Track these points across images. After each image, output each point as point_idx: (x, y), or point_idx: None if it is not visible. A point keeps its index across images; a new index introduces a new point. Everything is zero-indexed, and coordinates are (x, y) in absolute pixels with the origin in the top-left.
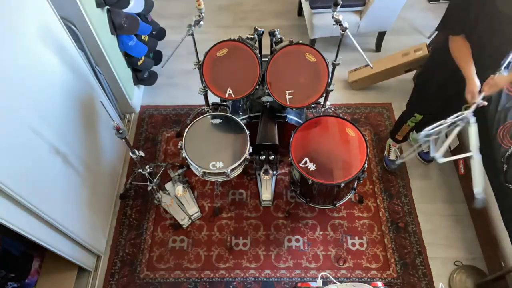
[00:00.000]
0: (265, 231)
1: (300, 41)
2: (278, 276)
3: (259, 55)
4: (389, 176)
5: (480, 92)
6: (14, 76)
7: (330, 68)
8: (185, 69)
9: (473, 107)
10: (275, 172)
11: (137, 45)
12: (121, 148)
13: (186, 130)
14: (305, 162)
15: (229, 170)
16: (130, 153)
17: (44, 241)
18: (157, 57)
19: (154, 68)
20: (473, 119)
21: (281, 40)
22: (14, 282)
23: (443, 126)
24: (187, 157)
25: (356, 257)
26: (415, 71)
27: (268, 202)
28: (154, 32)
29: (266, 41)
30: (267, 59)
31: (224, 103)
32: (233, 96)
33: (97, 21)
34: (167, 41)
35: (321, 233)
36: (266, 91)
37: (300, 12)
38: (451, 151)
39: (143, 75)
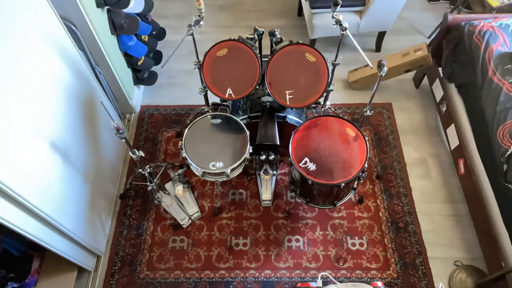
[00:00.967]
0: (265, 231)
1: (300, 41)
2: (278, 276)
3: (259, 55)
4: (389, 176)
5: None
6: (14, 76)
7: (330, 68)
8: (185, 69)
9: None
10: (275, 172)
11: (137, 45)
12: (121, 148)
13: (186, 130)
14: (305, 162)
15: (229, 170)
16: (130, 153)
17: (44, 241)
18: (157, 57)
19: (154, 68)
20: None
21: (281, 40)
22: (14, 282)
23: None
24: (187, 157)
25: (356, 257)
26: (415, 71)
27: (268, 202)
28: (154, 32)
29: (266, 41)
30: (267, 59)
31: (224, 103)
32: (233, 96)
33: (97, 21)
34: (167, 41)
35: (321, 233)
36: (266, 91)
37: (300, 12)
38: (451, 151)
39: (143, 75)
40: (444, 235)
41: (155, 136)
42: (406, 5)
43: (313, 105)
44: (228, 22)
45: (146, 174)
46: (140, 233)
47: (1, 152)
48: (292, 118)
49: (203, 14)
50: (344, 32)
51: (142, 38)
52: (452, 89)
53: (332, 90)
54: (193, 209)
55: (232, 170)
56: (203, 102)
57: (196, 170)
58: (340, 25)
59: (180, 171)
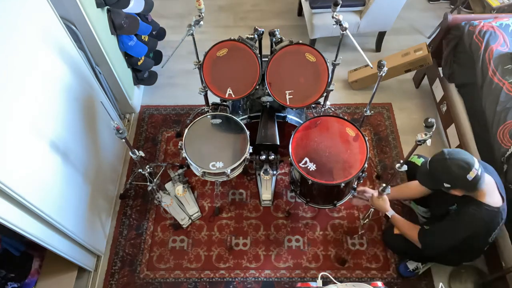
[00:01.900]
0: (265, 231)
1: (300, 41)
2: (278, 276)
3: (259, 55)
4: (389, 176)
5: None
6: (14, 76)
7: (330, 68)
8: (185, 69)
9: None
10: (275, 172)
11: (137, 45)
12: (121, 148)
13: (186, 130)
14: (305, 162)
15: (229, 170)
16: (130, 153)
17: (44, 241)
18: (157, 57)
19: (154, 68)
20: None
21: (281, 40)
22: (14, 282)
23: None
24: (187, 157)
25: (356, 257)
26: (415, 71)
27: (268, 202)
28: (154, 32)
29: (266, 41)
30: (267, 59)
31: (224, 103)
32: (233, 96)
33: (97, 21)
34: (167, 41)
35: (321, 233)
36: (266, 91)
37: (300, 12)
38: None
39: (143, 75)
40: None
41: (155, 136)
42: (406, 5)
43: (313, 105)
44: (228, 22)
45: (146, 174)
46: (140, 233)
47: (1, 152)
48: (292, 118)
49: (203, 14)
50: (344, 32)
51: (142, 38)
52: (452, 89)
53: (332, 90)
54: (193, 209)
55: (232, 170)
56: (203, 102)
57: (196, 170)
58: (340, 25)
59: (180, 171)
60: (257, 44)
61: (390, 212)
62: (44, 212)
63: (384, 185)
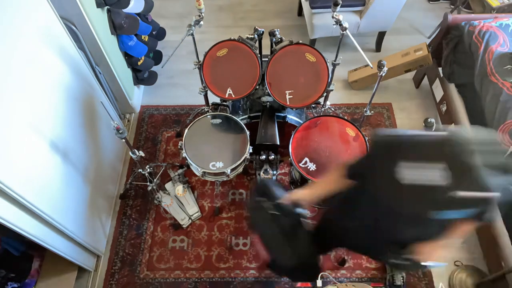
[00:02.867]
0: None
1: (300, 41)
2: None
3: (259, 55)
4: None
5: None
6: (14, 76)
7: (330, 68)
8: (185, 69)
9: None
10: (275, 172)
11: (137, 45)
12: (121, 148)
13: (186, 130)
14: (305, 162)
15: (229, 170)
16: (130, 153)
17: (44, 241)
18: (157, 57)
19: (154, 68)
20: None
21: (281, 40)
22: (14, 282)
23: None
24: (187, 157)
25: (356, 257)
26: (415, 71)
27: None
28: (154, 32)
29: (266, 41)
30: (267, 59)
31: (224, 103)
32: (233, 96)
33: (97, 21)
34: (167, 41)
35: None
36: (266, 91)
37: (300, 12)
38: None
39: (143, 75)
40: None
41: (155, 136)
42: (406, 5)
43: (313, 105)
44: (228, 22)
45: (146, 174)
46: (140, 233)
47: (1, 152)
48: (292, 118)
49: (203, 14)
50: (344, 32)
51: (142, 38)
52: (452, 89)
53: (332, 90)
54: (193, 209)
55: (232, 170)
56: (203, 102)
57: (196, 170)
58: (340, 25)
59: (180, 171)
60: (257, 44)
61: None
62: (44, 212)
63: None
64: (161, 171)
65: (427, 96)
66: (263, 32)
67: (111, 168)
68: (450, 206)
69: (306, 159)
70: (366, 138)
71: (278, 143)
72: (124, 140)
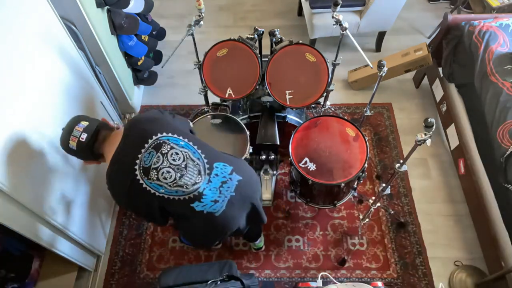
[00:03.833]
0: (265, 231)
1: (300, 41)
2: (278, 276)
3: (259, 55)
4: (389, 176)
5: None
6: (14, 76)
7: (330, 68)
8: (185, 69)
9: None
10: (275, 172)
11: (137, 45)
12: None
13: None
14: (305, 162)
15: None
16: None
17: (44, 241)
18: (157, 57)
19: (154, 68)
20: None
21: (281, 40)
22: (14, 282)
23: None
24: None
25: (356, 257)
26: (415, 71)
27: (268, 202)
28: (154, 32)
29: (266, 41)
30: (267, 59)
31: (224, 103)
32: (233, 96)
33: (97, 21)
34: (167, 41)
35: (321, 233)
36: (266, 91)
37: (300, 12)
38: (451, 151)
39: (143, 75)
40: (444, 235)
41: None
42: (406, 5)
43: (313, 105)
44: (228, 22)
45: None
46: (140, 233)
47: (0, 151)
48: (292, 118)
49: (203, 14)
50: (344, 32)
51: (142, 38)
52: (452, 89)
53: (332, 90)
54: None
55: None
56: (203, 102)
57: None
58: (340, 25)
59: None
60: (257, 44)
61: None
62: (44, 212)
63: (384, 185)
64: None
65: (427, 96)
66: (263, 32)
67: None
68: None
69: (306, 159)
70: (366, 138)
71: (278, 143)
72: None
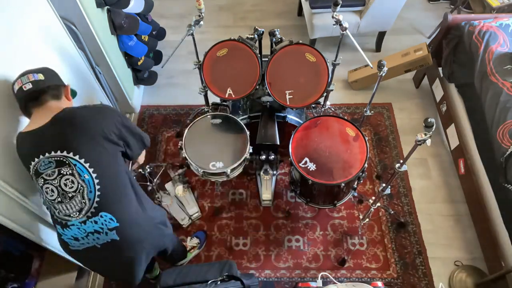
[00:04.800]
0: (265, 231)
1: (300, 41)
2: (278, 276)
3: (259, 55)
4: (389, 176)
5: None
6: (14, 76)
7: (330, 68)
8: (185, 69)
9: None
10: (275, 172)
11: (137, 45)
12: None
13: (186, 130)
14: (305, 162)
15: (229, 170)
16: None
17: (44, 241)
18: (157, 57)
19: (154, 68)
20: None
21: (281, 40)
22: (14, 282)
23: None
24: (187, 157)
25: (356, 257)
26: (415, 71)
27: (268, 202)
28: (154, 32)
29: (266, 41)
30: (267, 59)
31: (224, 103)
32: (233, 96)
33: (97, 21)
34: (167, 41)
35: (321, 233)
36: (266, 91)
37: (300, 12)
38: (451, 151)
39: (143, 75)
40: (444, 235)
41: (155, 136)
42: (406, 5)
43: (313, 105)
44: (228, 22)
45: (146, 174)
46: None
47: (1, 151)
48: (292, 118)
49: (203, 14)
50: (344, 32)
51: (142, 38)
52: (452, 89)
53: (332, 90)
54: (193, 209)
55: (232, 170)
56: (203, 102)
57: (196, 170)
58: (340, 25)
59: (180, 171)
60: (257, 44)
61: None
62: (44, 212)
63: (384, 185)
64: (161, 171)
65: (427, 96)
66: (263, 32)
67: None
68: None
69: (306, 159)
70: (366, 138)
71: (278, 143)
72: None
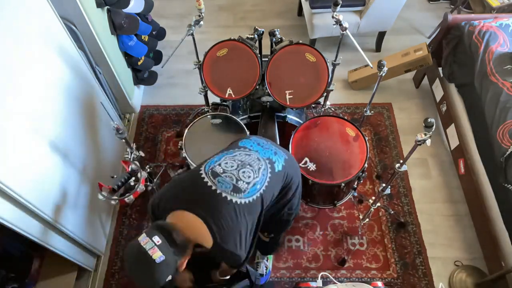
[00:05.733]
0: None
1: (300, 41)
2: (278, 276)
3: (259, 55)
4: (389, 176)
5: None
6: (14, 76)
7: (330, 68)
8: (185, 69)
9: None
10: None
11: (137, 45)
12: (121, 148)
13: (186, 130)
14: (305, 162)
15: None
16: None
17: (44, 241)
18: (157, 57)
19: (154, 68)
20: None
21: (281, 40)
22: (14, 282)
23: None
24: (187, 157)
25: (356, 257)
26: (415, 71)
27: None
28: (154, 32)
29: (266, 41)
30: (267, 59)
31: (224, 103)
32: (233, 96)
33: (97, 21)
34: (167, 41)
35: (321, 233)
36: (266, 91)
37: (300, 12)
38: (451, 151)
39: (143, 75)
40: (444, 235)
41: (155, 136)
42: (406, 5)
43: (313, 105)
44: (228, 22)
45: (146, 174)
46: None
47: (0, 151)
48: (292, 118)
49: (203, 14)
50: (344, 32)
51: (142, 38)
52: (452, 89)
53: (332, 90)
54: None
55: None
56: (203, 102)
57: None
58: (340, 25)
59: (180, 171)
60: (257, 44)
61: None
62: (43, 211)
63: (384, 185)
64: (161, 171)
65: (427, 96)
66: (263, 32)
67: (111, 168)
68: None
69: (306, 159)
70: (366, 138)
71: (278, 143)
72: (124, 140)
